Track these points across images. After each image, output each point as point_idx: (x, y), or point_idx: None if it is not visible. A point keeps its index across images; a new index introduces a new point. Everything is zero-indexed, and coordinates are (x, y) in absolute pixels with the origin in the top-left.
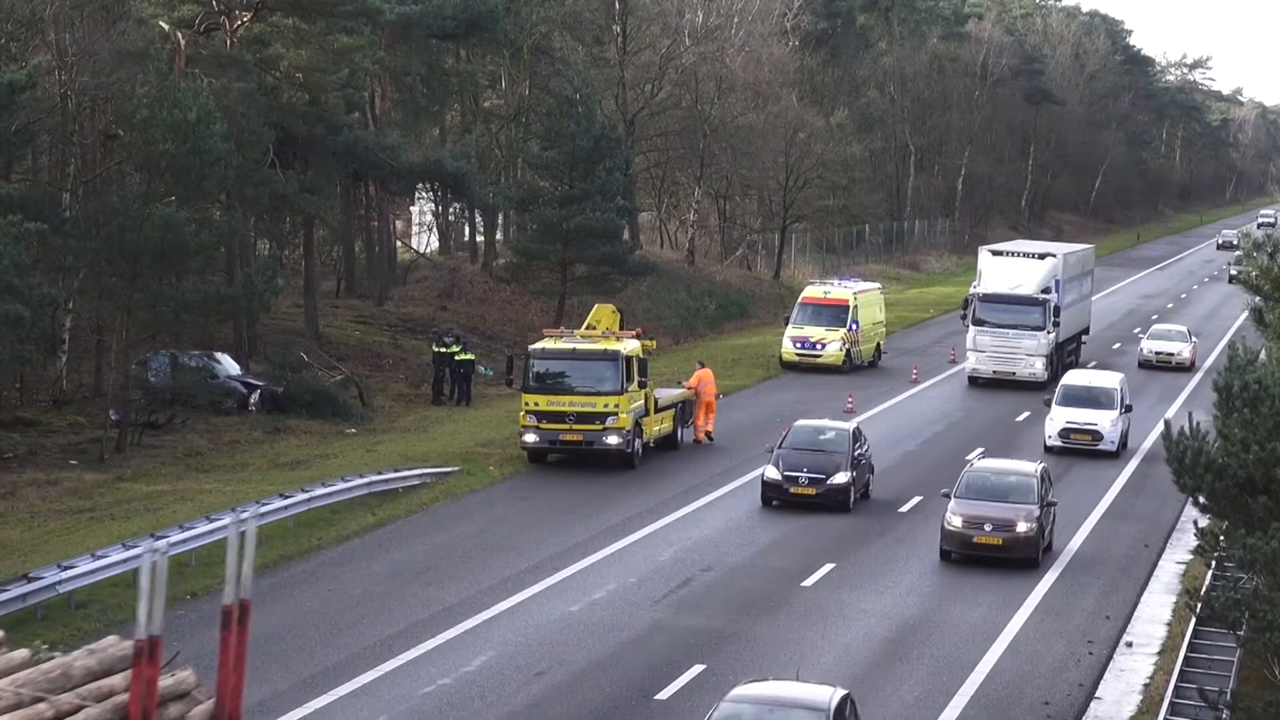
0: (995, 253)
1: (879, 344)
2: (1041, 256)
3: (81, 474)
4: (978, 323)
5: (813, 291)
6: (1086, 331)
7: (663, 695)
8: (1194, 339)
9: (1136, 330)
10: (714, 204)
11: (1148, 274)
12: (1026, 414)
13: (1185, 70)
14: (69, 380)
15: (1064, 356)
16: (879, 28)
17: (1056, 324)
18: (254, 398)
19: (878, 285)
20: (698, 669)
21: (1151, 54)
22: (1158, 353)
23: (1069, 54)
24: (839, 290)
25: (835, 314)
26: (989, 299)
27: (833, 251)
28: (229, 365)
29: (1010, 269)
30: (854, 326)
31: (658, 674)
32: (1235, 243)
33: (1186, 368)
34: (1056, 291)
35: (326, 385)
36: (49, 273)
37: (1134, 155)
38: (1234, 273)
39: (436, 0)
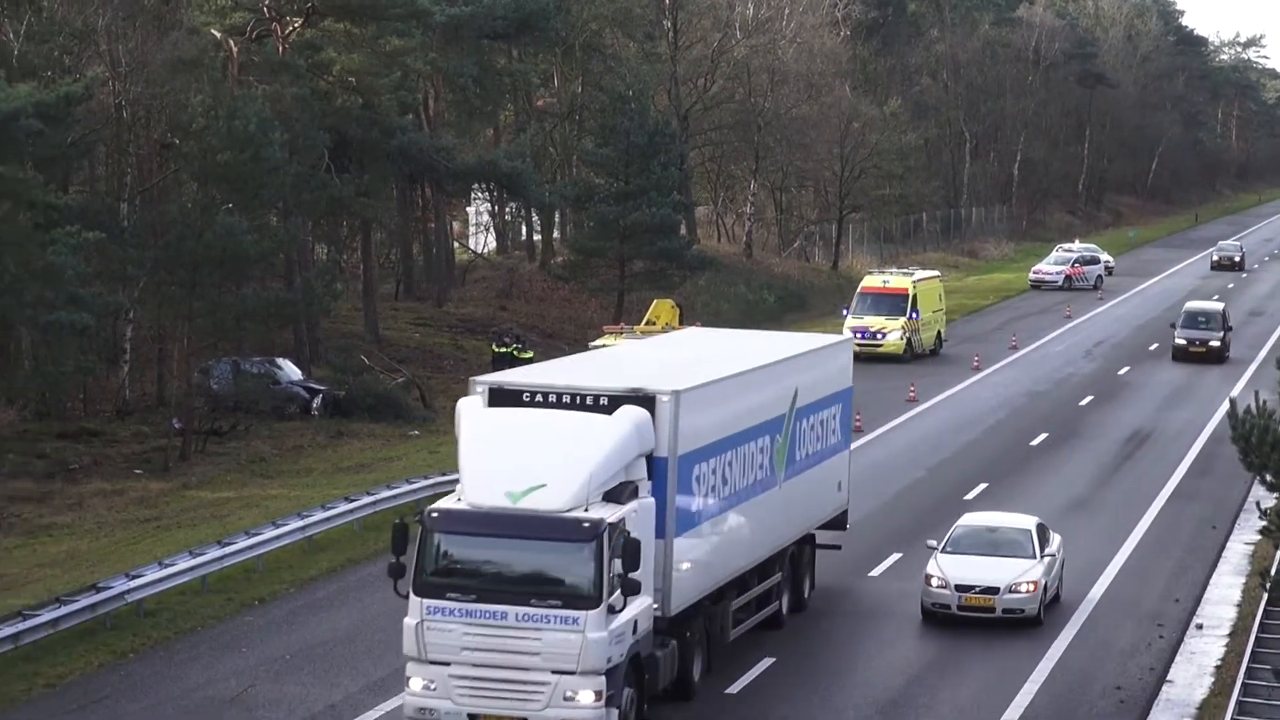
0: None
1: (940, 332)
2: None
3: (146, 483)
4: None
5: (872, 281)
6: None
7: (734, 689)
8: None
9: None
10: (770, 196)
11: (1206, 256)
12: (1090, 398)
13: (1239, 49)
14: (131, 390)
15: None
16: (930, 15)
17: None
18: (316, 402)
19: (937, 273)
20: (768, 662)
21: (1204, 34)
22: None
23: (1121, 36)
24: (898, 279)
25: (895, 303)
26: None
27: (890, 240)
28: (290, 370)
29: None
30: (914, 315)
31: (731, 668)
32: None
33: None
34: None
35: (388, 388)
36: (109, 282)
37: (1190, 136)
38: None
39: (487, 0)
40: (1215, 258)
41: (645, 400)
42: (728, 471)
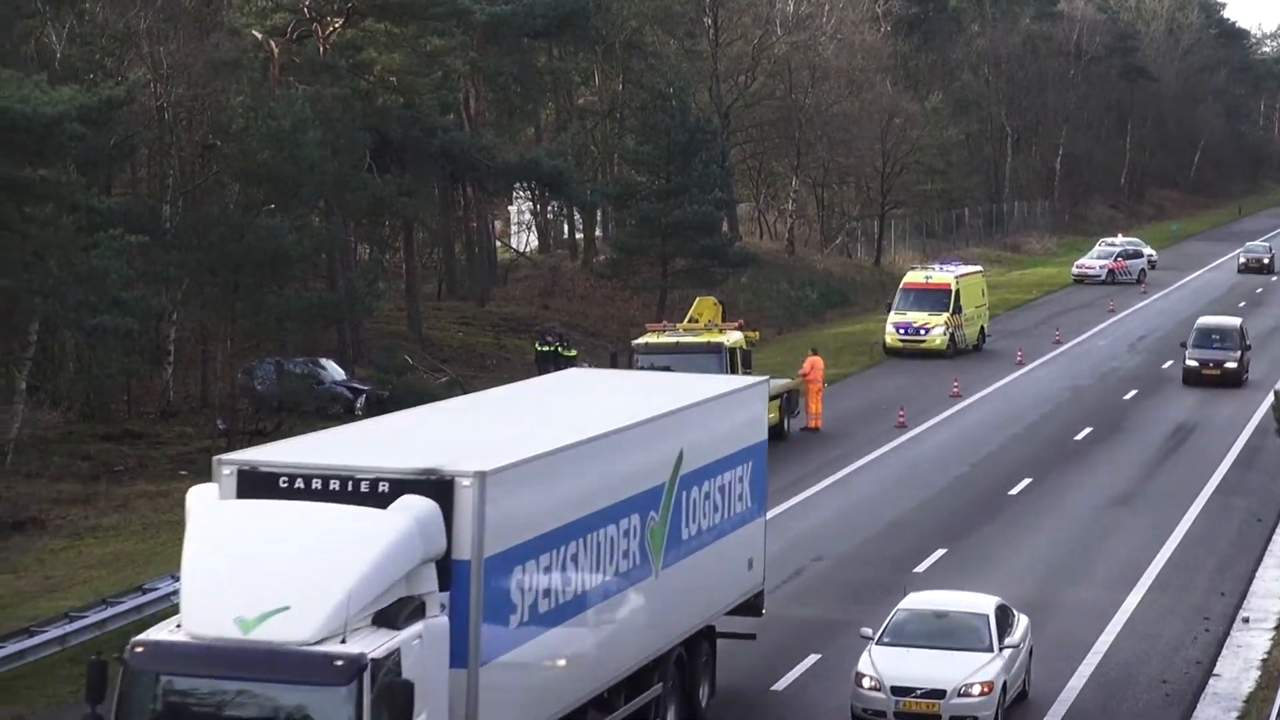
0: None
1: (983, 327)
2: None
3: (192, 484)
4: None
5: (914, 276)
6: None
7: (779, 686)
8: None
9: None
10: (812, 193)
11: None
12: (1134, 392)
13: None
14: (176, 391)
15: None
16: (971, 10)
17: None
18: (360, 402)
19: (980, 268)
20: (813, 659)
21: (1246, 26)
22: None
23: (1163, 30)
24: (940, 275)
25: (938, 298)
26: None
27: (933, 236)
28: (334, 371)
29: None
30: (957, 310)
31: (774, 664)
32: None
33: (1234, 381)
34: None
35: (432, 387)
36: (152, 284)
37: (1232, 129)
38: None
39: None
40: (1243, 260)
41: (439, 485)
42: (571, 568)
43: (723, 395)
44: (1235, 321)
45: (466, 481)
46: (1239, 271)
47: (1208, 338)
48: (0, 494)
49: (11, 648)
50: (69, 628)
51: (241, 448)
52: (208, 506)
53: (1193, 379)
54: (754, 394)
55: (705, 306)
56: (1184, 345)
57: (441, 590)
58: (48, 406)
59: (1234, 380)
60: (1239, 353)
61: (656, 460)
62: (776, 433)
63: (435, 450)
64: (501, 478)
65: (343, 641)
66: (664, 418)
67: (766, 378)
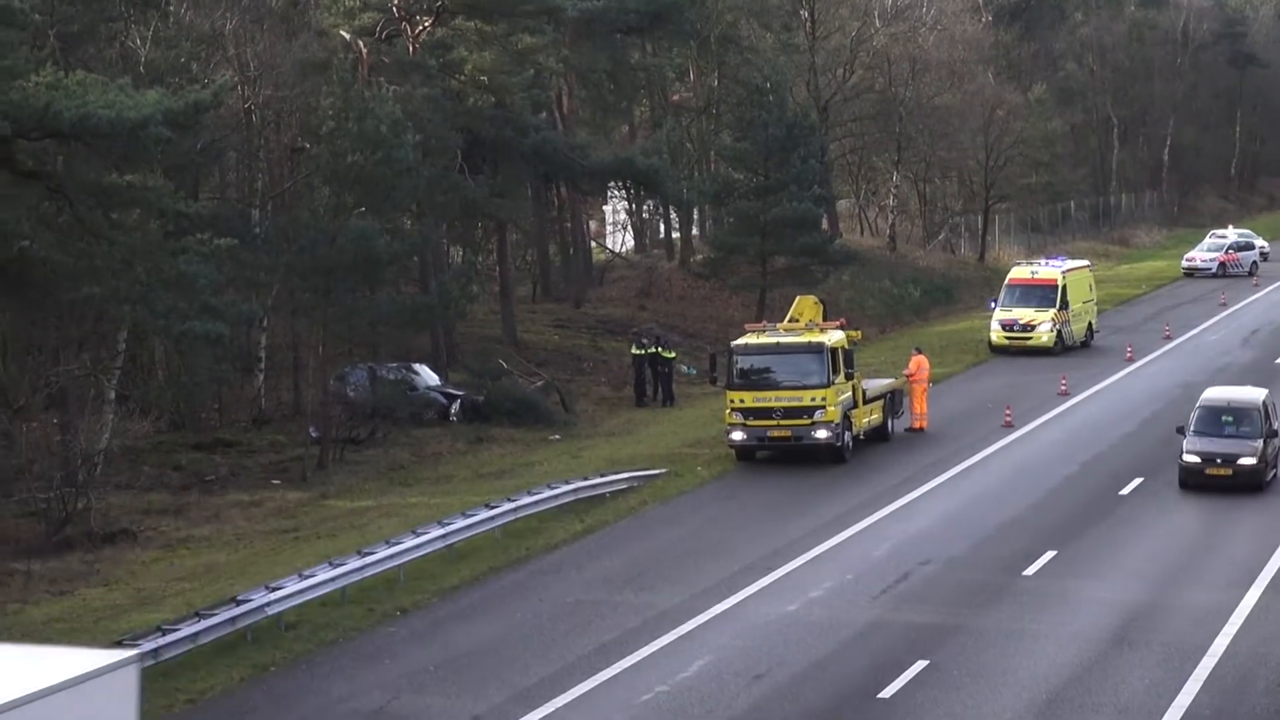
0: None
1: (1091, 323)
2: None
3: (284, 493)
4: None
5: (1020, 272)
6: None
7: (886, 694)
8: (1274, 429)
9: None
10: (913, 188)
11: None
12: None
13: None
14: (267, 399)
15: None
16: None
17: None
18: (454, 408)
19: (1087, 262)
20: (921, 665)
21: None
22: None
23: (1271, 15)
24: (1047, 270)
25: (1044, 294)
26: None
27: (1038, 230)
28: (428, 376)
29: None
30: (1064, 306)
31: (880, 672)
32: None
33: (1252, 483)
34: None
35: (527, 392)
36: (242, 290)
37: None
38: None
39: None
40: None
41: None
42: None
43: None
44: (1258, 396)
45: None
46: None
47: (1216, 420)
48: (90, 506)
49: None
50: (161, 641)
51: (335, 456)
52: None
53: (1192, 481)
54: (115, 681)
55: (806, 305)
56: (1181, 431)
57: None
58: (137, 416)
59: (1252, 484)
60: (1261, 442)
61: None
62: (881, 434)
63: None
64: None
65: None
66: None
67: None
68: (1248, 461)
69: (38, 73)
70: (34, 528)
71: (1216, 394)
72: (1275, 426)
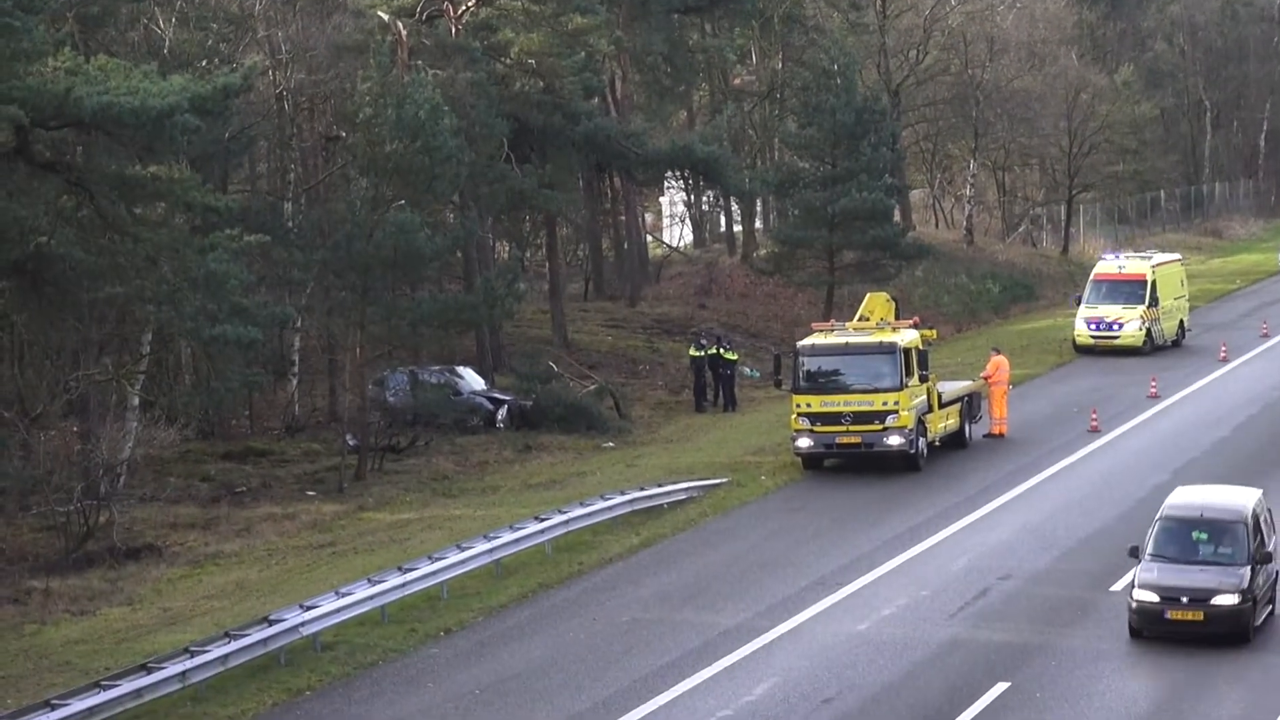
0: None
1: (1182, 321)
2: None
3: (320, 505)
4: None
5: (1106, 267)
6: None
7: (964, 718)
8: (1264, 553)
9: None
10: (992, 177)
11: None
12: None
13: None
14: (301, 405)
15: None
16: None
17: None
18: (501, 414)
19: (1178, 256)
20: (1001, 687)
21: None
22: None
23: None
24: (1135, 264)
25: (1132, 290)
26: None
27: (1125, 222)
28: (472, 380)
29: None
30: (1154, 303)
31: (957, 695)
32: None
33: (1232, 631)
34: None
35: (579, 396)
36: (274, 288)
37: None
38: None
39: None
40: None
41: None
42: None
43: None
44: (1245, 503)
45: None
46: None
47: (1184, 537)
48: (113, 519)
49: (127, 686)
50: (189, 663)
51: (374, 465)
52: None
53: (1150, 629)
54: None
55: (877, 303)
56: (1134, 553)
57: None
58: (162, 423)
59: (1236, 630)
60: (1246, 570)
61: None
62: (958, 440)
63: None
64: None
65: None
66: None
67: None
68: (1226, 601)
69: (55, 57)
70: (53, 543)
71: (1186, 499)
72: (1269, 545)
